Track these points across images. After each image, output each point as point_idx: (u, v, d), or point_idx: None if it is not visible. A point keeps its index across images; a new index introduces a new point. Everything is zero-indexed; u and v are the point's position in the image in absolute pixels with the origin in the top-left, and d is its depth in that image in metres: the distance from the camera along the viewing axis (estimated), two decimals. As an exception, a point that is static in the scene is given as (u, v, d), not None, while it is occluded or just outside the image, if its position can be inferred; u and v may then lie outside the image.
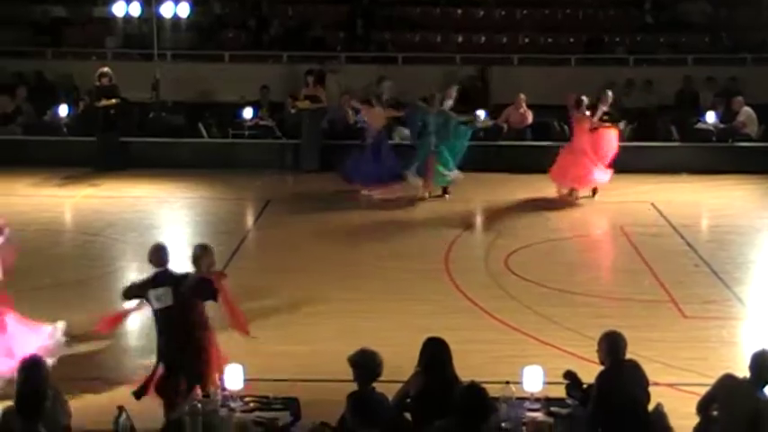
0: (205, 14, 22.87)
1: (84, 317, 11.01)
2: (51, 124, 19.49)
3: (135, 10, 21.46)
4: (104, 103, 18.55)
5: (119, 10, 21.47)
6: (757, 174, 18.03)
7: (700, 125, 19.29)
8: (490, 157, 18.85)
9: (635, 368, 7.39)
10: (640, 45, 22.42)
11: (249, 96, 19.99)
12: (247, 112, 19.42)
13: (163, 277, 8.55)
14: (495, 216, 15.81)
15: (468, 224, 15.47)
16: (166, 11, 21.15)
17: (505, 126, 19.53)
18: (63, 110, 19.42)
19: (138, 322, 11.41)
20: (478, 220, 16.20)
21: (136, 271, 13.15)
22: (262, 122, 19.56)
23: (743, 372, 7.10)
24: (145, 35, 21.30)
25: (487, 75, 20.93)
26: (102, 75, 18.62)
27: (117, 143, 18.83)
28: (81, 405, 7.74)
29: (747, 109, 19.15)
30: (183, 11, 21.34)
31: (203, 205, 16.59)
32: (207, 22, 22.85)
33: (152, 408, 8.24)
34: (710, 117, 19.27)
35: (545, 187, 17.29)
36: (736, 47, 21.89)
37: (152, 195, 17.09)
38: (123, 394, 8.62)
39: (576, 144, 16.74)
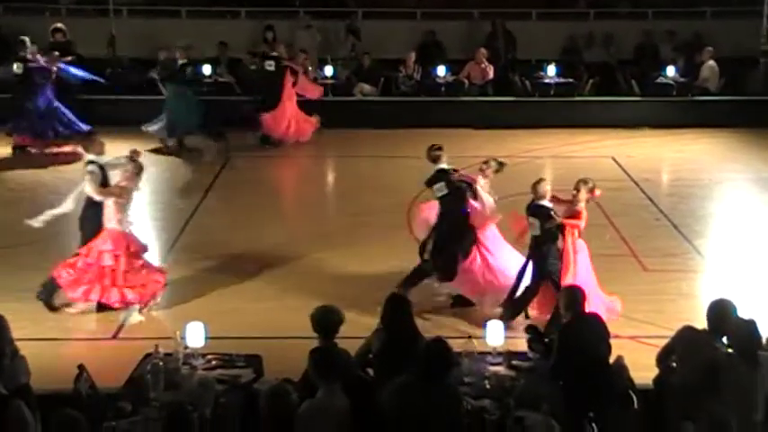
0: (162, -31, 22.48)
1: (43, 276, 10.94)
2: (5, 81, 19.09)
3: (90, -36, 21.09)
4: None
5: (74, -37, 21.07)
6: (717, 127, 18.12)
7: (660, 79, 19.33)
8: (452, 112, 18.83)
9: (596, 321, 7.45)
10: (601, -2, 22.40)
11: (207, 53, 19.75)
12: (206, 69, 19.17)
13: None
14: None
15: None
16: (122, -35, 20.81)
17: (467, 82, 19.48)
18: (18, 67, 19.01)
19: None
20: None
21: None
22: (221, 79, 19.35)
23: (702, 324, 7.16)
24: (100, -11, 20.94)
25: (499, 29, 20.67)
26: (56, 30, 18.26)
27: (72, 100, 18.50)
28: (40, 364, 7.65)
29: (712, 63, 19.21)
30: (140, -35, 21.02)
31: (162, 162, 16.43)
32: (163, -23, 22.47)
33: (113, 366, 8.19)
34: (671, 71, 19.32)
35: (507, 143, 17.31)
36: (695, 0, 21.90)
37: (111, 154, 16.77)
38: (84, 353, 8.57)
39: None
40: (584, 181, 9.77)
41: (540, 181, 9.81)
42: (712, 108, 18.79)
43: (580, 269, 9.48)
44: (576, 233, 9.60)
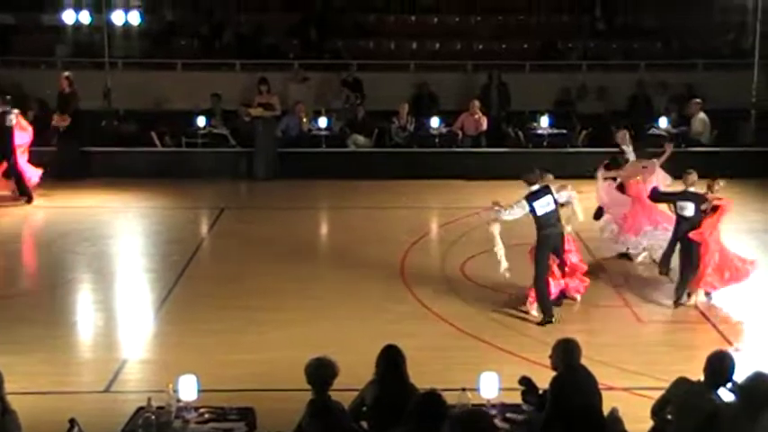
0: (156, 22, 22.68)
1: (36, 328, 10.89)
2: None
3: (85, 17, 21.31)
4: (57, 122, 18.27)
5: (68, 17, 21.28)
6: (710, 178, 18.14)
7: (653, 131, 19.44)
8: (445, 163, 18.92)
9: (587, 372, 7.41)
10: (593, 51, 22.60)
11: (202, 104, 19.88)
12: (200, 121, 19.27)
13: None
14: (451, 223, 15.81)
15: (423, 231, 15.45)
16: (117, 18, 21.03)
17: (460, 133, 19.58)
18: (12, 119, 19.07)
19: (91, 335, 11.33)
20: (434, 227, 16.20)
21: (89, 282, 13.07)
22: (215, 131, 19.43)
23: (697, 375, 7.13)
24: (95, 43, 21.10)
25: (494, 80, 20.77)
26: (63, 77, 18.37)
27: (77, 152, 18.60)
28: (32, 418, 7.57)
29: (702, 116, 19.34)
30: (134, 18, 21.24)
31: (157, 214, 16.46)
32: (158, 30, 22.67)
33: (105, 420, 8.13)
34: (663, 122, 19.44)
35: (502, 193, 17.30)
36: (687, 53, 22.14)
37: (105, 205, 16.91)
38: (75, 406, 8.49)
39: None
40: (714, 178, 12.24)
41: (690, 172, 11.97)
42: (705, 159, 18.87)
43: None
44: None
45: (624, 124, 14.92)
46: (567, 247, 11.75)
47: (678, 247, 12.01)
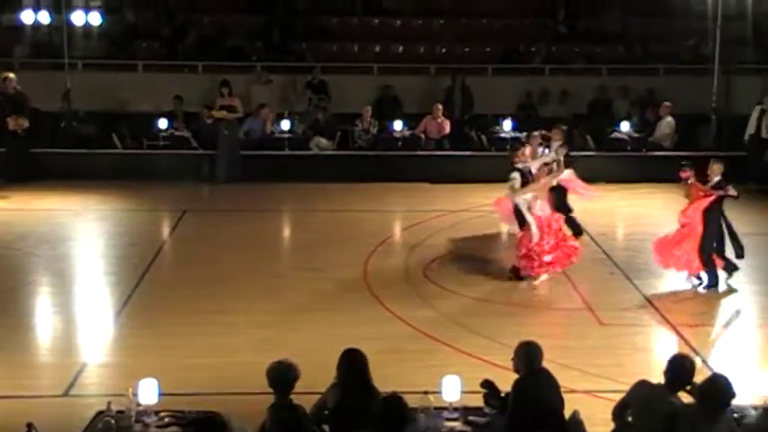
0: (118, 23, 22.49)
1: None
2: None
3: (44, 18, 21.10)
4: (14, 126, 18.00)
5: (27, 17, 21.07)
6: (672, 182, 18.15)
7: (615, 135, 19.58)
8: (409, 166, 18.92)
9: (549, 375, 7.42)
10: (556, 55, 22.70)
11: (164, 107, 19.75)
12: (162, 123, 19.15)
13: None
14: (414, 226, 15.82)
15: (386, 234, 15.44)
16: (77, 19, 20.82)
17: (423, 136, 19.60)
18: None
19: (50, 339, 11.21)
20: (397, 229, 16.20)
21: (49, 285, 12.93)
22: (177, 133, 19.32)
23: (657, 378, 7.16)
24: (55, 43, 20.89)
25: (458, 83, 20.84)
26: (7, 79, 18.10)
27: (26, 154, 18.36)
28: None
29: (670, 119, 19.55)
30: (95, 19, 21.05)
31: (118, 217, 16.32)
32: (119, 31, 22.47)
33: (63, 424, 8.04)
34: (625, 126, 19.58)
35: (464, 197, 17.39)
36: (649, 57, 22.31)
37: (65, 208, 16.76)
38: (33, 410, 8.39)
39: None
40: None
41: (717, 161, 12.78)
42: (666, 163, 19.00)
43: None
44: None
45: (561, 125, 15.18)
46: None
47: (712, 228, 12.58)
